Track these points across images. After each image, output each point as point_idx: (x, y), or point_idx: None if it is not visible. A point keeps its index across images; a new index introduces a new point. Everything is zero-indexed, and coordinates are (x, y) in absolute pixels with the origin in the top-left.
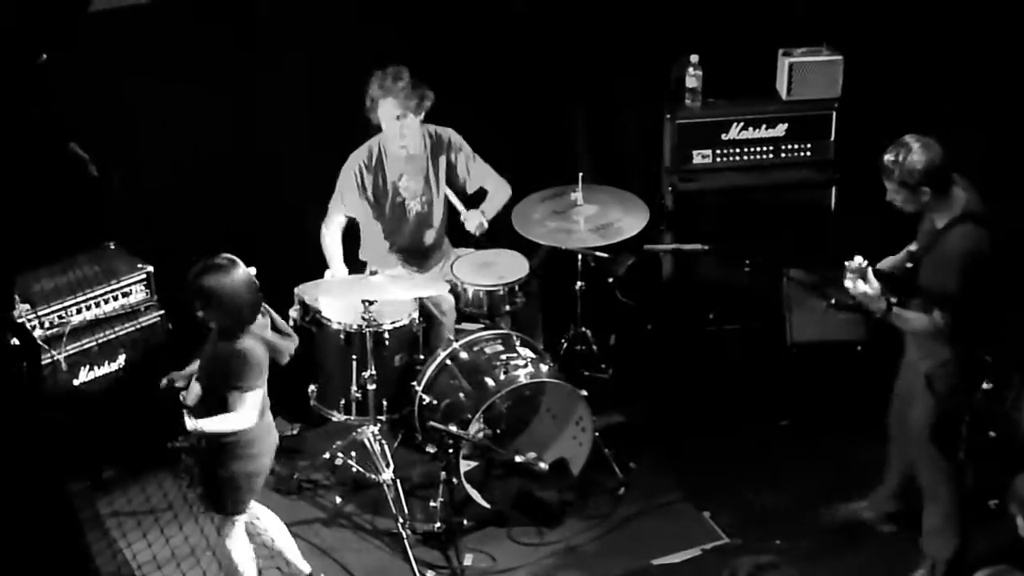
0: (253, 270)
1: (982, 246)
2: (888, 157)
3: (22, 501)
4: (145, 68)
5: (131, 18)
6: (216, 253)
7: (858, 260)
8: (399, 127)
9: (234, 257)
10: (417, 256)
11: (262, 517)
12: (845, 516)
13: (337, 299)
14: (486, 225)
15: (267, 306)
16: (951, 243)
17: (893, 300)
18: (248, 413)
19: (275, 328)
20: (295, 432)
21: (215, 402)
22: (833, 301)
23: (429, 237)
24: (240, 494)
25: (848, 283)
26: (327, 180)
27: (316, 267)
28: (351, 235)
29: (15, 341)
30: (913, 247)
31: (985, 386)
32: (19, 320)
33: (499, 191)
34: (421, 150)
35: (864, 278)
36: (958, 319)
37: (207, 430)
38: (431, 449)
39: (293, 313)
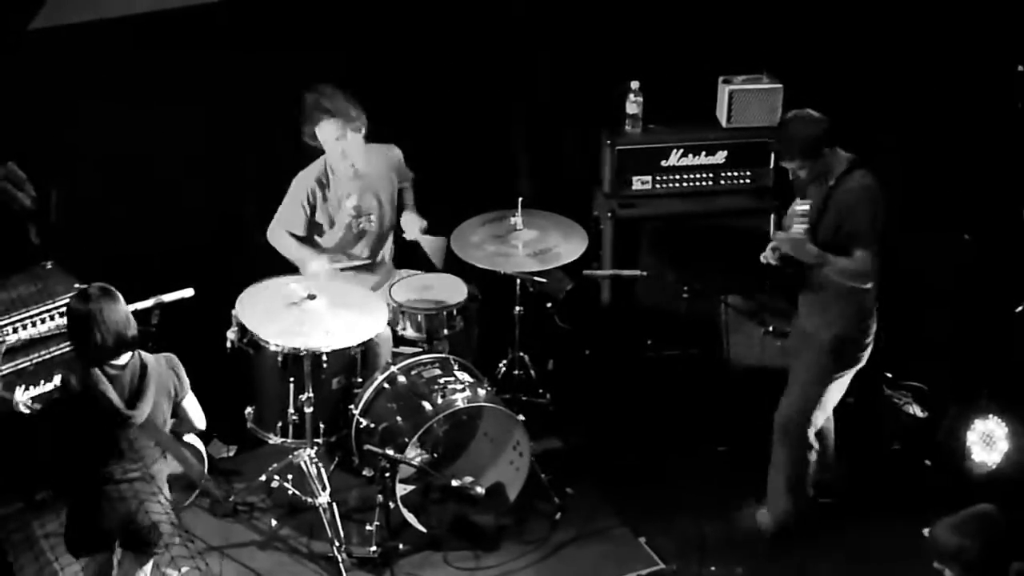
0: (190, 291)
1: (876, 185)
2: (785, 135)
3: None
4: (84, 86)
5: (71, 36)
6: (157, 276)
7: (806, 204)
8: (340, 147)
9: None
10: (362, 270)
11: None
12: (749, 522)
13: (274, 321)
14: (424, 223)
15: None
16: (849, 187)
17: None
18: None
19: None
20: (231, 454)
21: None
22: (771, 328)
23: (379, 254)
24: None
25: (783, 232)
26: (270, 199)
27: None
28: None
29: None
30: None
31: (920, 414)
32: None
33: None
34: (371, 168)
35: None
36: (875, 256)
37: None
38: (368, 473)
39: (231, 335)
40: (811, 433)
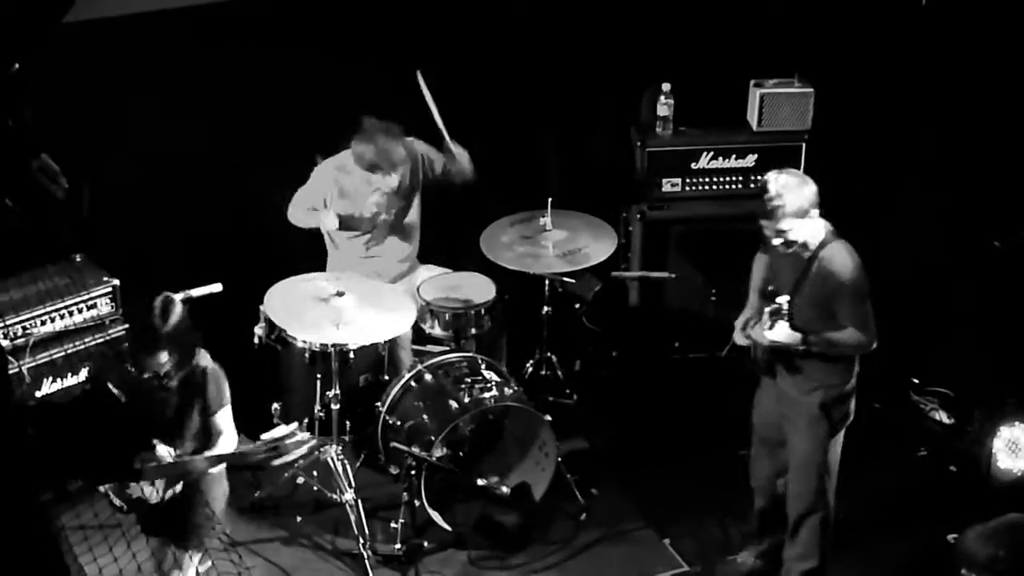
0: (219, 286)
1: (858, 259)
2: (779, 194)
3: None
4: (118, 80)
5: (106, 30)
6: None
7: (782, 299)
8: (369, 177)
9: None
10: (386, 266)
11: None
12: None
13: (304, 325)
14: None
15: None
16: (838, 265)
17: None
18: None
19: None
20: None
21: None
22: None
23: (401, 250)
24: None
25: (766, 329)
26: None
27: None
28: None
29: None
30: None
31: (946, 420)
32: None
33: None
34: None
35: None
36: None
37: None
38: (393, 470)
39: (258, 331)
40: (830, 494)
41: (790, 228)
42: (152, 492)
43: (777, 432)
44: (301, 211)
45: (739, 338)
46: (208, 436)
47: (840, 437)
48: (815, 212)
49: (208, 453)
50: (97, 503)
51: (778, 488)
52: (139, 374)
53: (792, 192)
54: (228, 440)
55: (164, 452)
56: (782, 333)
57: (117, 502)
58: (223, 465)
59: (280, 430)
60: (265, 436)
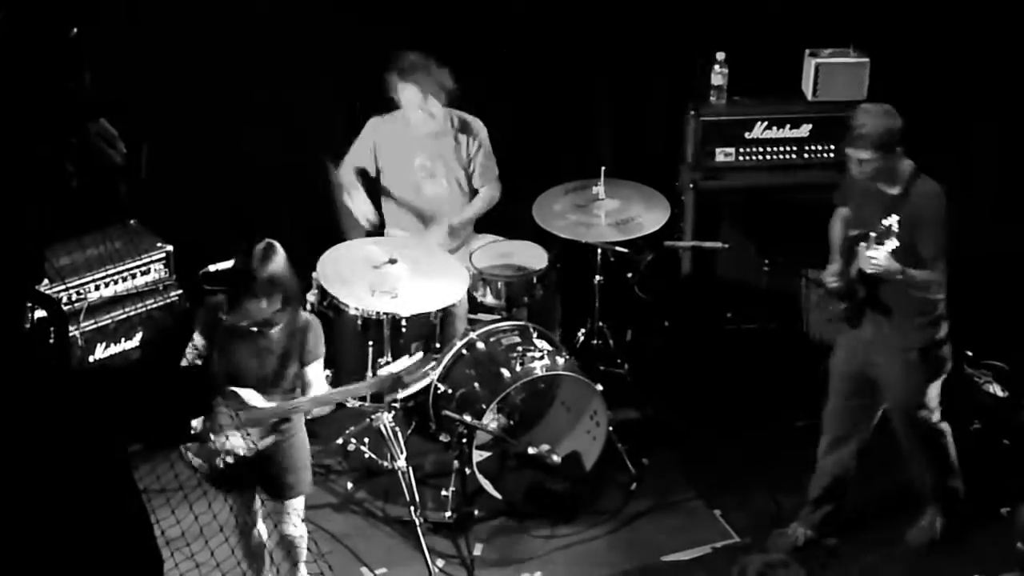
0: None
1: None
2: (866, 121)
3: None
4: (167, 47)
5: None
6: (238, 237)
7: (891, 219)
8: (422, 112)
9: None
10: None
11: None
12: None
13: (353, 285)
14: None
15: None
16: (926, 197)
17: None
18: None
19: None
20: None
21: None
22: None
23: (445, 219)
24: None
25: (873, 250)
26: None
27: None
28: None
29: (43, 314)
30: (853, 233)
31: (1000, 394)
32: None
33: (482, 196)
34: (447, 133)
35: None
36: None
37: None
38: (444, 438)
39: (311, 297)
40: (936, 419)
41: (872, 158)
42: (243, 445)
43: (859, 386)
44: (352, 177)
45: (832, 286)
46: (300, 388)
47: (938, 384)
48: (899, 149)
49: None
50: (159, 466)
51: (846, 458)
52: (237, 322)
53: (876, 119)
54: (319, 391)
55: (257, 401)
56: (885, 255)
57: (196, 461)
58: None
59: (399, 363)
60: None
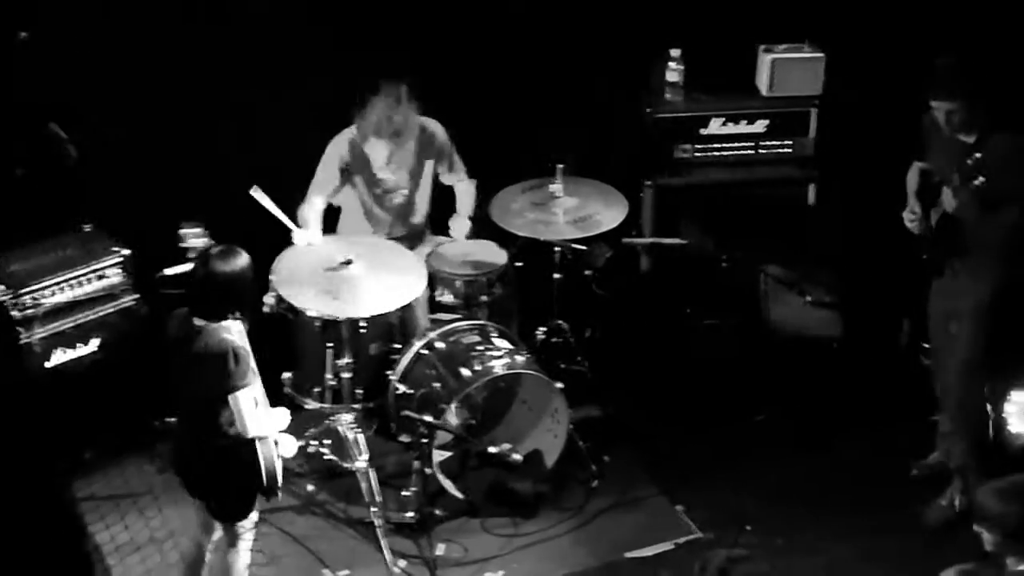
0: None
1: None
2: (950, 76)
3: (11, 484)
4: (127, 49)
5: None
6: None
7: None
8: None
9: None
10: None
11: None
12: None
13: (314, 298)
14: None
15: None
16: (1005, 145)
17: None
18: None
19: None
20: None
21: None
22: (810, 297)
23: (410, 228)
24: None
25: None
26: (308, 166)
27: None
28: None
29: None
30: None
31: None
32: None
33: (469, 192)
34: (409, 144)
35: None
36: None
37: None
38: (405, 439)
39: (269, 299)
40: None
41: (955, 107)
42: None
43: (947, 338)
44: (312, 210)
45: (911, 225)
46: None
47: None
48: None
49: None
50: (110, 473)
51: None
52: None
53: (963, 70)
54: None
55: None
56: (968, 195)
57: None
58: None
59: None
60: None
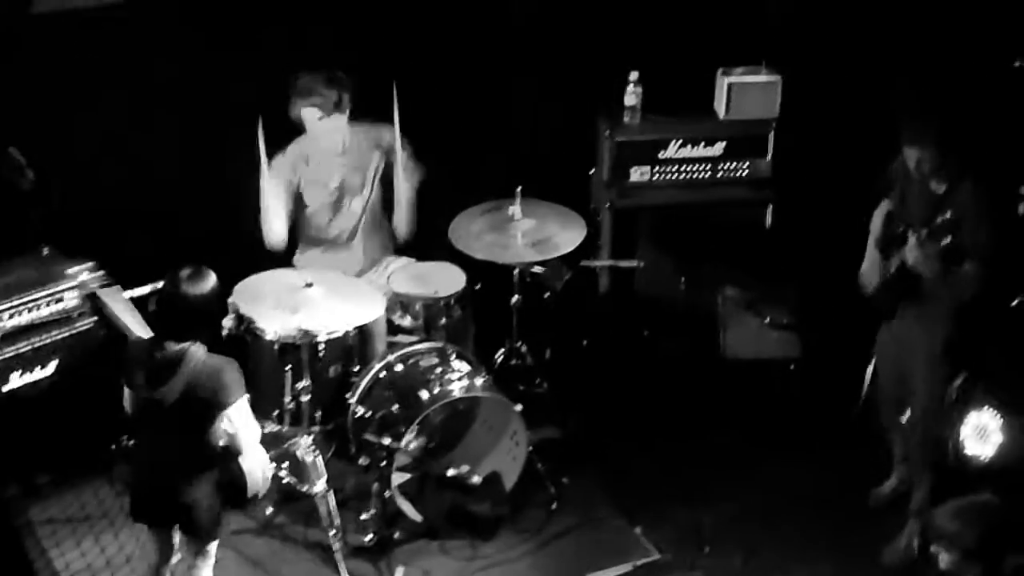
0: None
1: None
2: (927, 120)
3: None
4: (85, 73)
5: (73, 21)
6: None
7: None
8: (323, 127)
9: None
10: (352, 260)
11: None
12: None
13: (273, 314)
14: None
15: None
16: (975, 196)
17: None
18: None
19: None
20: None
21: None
22: (767, 319)
23: (363, 236)
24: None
25: (923, 246)
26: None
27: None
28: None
29: None
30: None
31: None
32: None
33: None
34: (356, 148)
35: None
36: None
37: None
38: (364, 461)
39: (227, 323)
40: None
41: (925, 157)
42: None
43: (899, 375)
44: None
45: (864, 282)
46: None
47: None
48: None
49: None
50: (65, 497)
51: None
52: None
53: (936, 118)
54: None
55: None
56: (934, 252)
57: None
58: None
59: None
60: None
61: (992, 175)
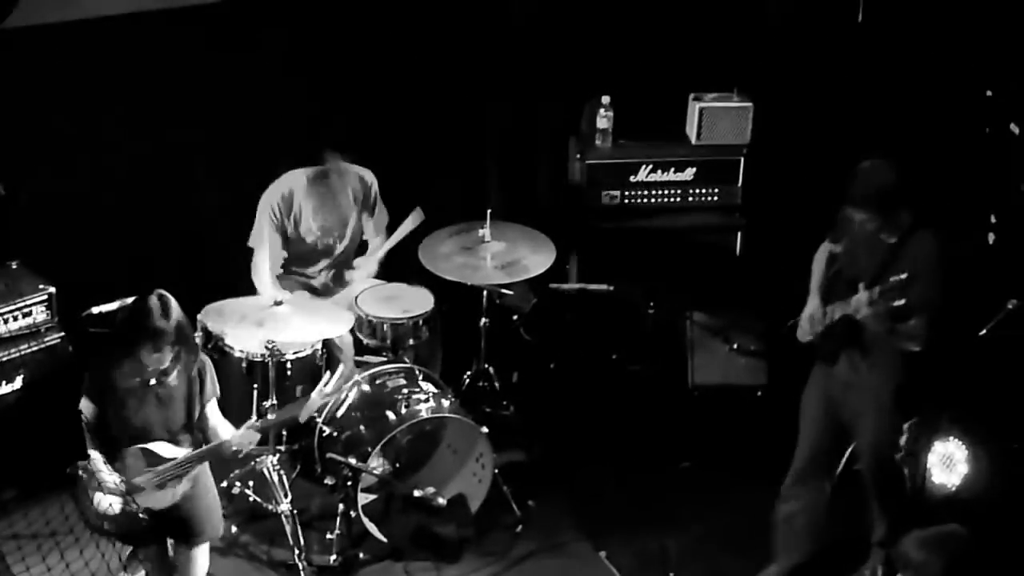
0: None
1: (947, 249)
2: (867, 181)
3: None
4: (57, 87)
5: (44, 36)
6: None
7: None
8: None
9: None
10: (323, 290)
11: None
12: None
13: (240, 328)
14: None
15: None
16: (925, 251)
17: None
18: None
19: None
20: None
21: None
22: (735, 345)
23: (338, 273)
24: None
25: (873, 304)
26: (234, 206)
27: (217, 292)
28: None
29: None
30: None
31: None
32: None
33: (381, 242)
34: (342, 188)
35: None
36: (938, 325)
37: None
38: (330, 481)
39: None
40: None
41: (865, 219)
42: (167, 495)
43: (829, 424)
44: (263, 271)
45: (804, 329)
46: (202, 428)
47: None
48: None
49: (244, 429)
50: (31, 513)
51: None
52: (132, 378)
53: (877, 178)
54: (225, 427)
55: (171, 451)
56: (884, 311)
57: (109, 525)
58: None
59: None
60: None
61: (947, 224)
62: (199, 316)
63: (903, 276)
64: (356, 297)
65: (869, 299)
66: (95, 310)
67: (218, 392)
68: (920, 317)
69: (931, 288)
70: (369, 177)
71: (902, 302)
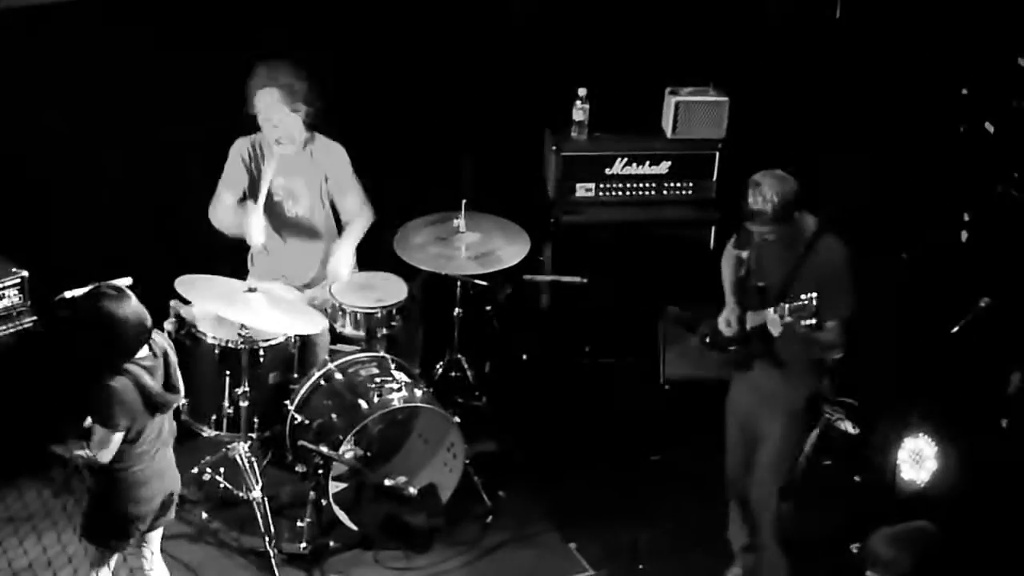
0: (129, 279)
1: (849, 253)
2: (758, 199)
3: None
4: (29, 69)
5: (15, 19)
6: (96, 264)
7: (811, 296)
8: (274, 118)
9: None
10: (301, 268)
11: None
12: None
13: (212, 313)
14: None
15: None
16: (830, 257)
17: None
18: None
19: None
20: None
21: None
22: (707, 339)
23: (313, 248)
24: (117, 532)
25: (785, 321)
26: (210, 188)
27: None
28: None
29: None
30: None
31: (852, 431)
32: None
33: (358, 220)
34: (304, 154)
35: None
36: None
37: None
38: (301, 469)
39: (168, 326)
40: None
41: (765, 232)
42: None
43: (752, 429)
44: (221, 213)
45: (724, 330)
46: None
47: (811, 436)
48: (797, 213)
49: None
50: (8, 496)
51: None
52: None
53: (771, 191)
54: None
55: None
56: (793, 329)
57: None
58: None
59: None
60: None
61: (851, 228)
62: (172, 303)
63: (812, 296)
64: (330, 286)
65: (780, 317)
66: (68, 294)
67: None
68: (834, 326)
69: (840, 296)
70: (334, 149)
71: (812, 322)
